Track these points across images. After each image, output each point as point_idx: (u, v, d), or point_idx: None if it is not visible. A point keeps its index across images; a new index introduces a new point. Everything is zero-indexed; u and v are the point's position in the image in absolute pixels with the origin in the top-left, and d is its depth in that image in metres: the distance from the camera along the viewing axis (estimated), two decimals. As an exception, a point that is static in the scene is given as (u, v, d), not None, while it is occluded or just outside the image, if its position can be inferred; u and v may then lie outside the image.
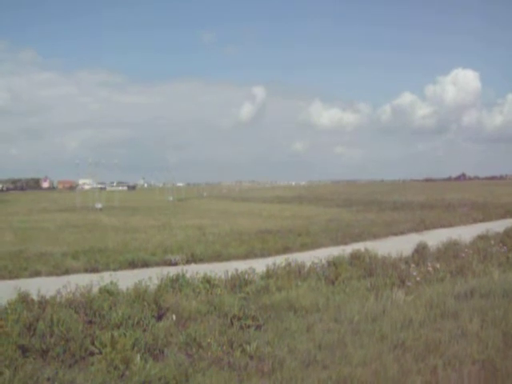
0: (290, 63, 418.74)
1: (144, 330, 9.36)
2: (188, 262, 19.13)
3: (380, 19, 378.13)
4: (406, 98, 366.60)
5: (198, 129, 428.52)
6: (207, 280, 13.30)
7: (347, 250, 17.87)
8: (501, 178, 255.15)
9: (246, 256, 20.67)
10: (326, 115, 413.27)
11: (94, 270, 17.58)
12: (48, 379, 7.37)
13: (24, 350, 8.45)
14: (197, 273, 13.88)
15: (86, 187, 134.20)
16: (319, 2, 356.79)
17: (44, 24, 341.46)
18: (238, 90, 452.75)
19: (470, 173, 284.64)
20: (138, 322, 9.77)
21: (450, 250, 18.10)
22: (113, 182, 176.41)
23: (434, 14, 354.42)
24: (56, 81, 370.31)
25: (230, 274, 14.08)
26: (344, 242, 24.37)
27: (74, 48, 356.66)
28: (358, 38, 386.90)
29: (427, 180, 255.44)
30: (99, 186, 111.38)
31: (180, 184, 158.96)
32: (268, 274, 14.55)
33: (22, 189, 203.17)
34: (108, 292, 12.09)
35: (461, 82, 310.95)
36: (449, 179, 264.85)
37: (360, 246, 18.60)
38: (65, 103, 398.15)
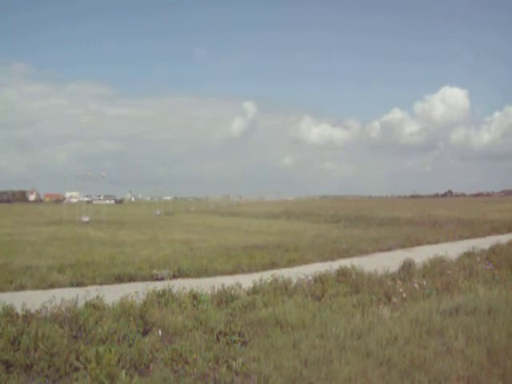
0: (280, 78, 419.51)
1: (129, 346, 9.32)
2: (175, 276, 19.06)
3: (371, 33, 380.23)
4: (396, 114, 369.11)
5: (187, 143, 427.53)
6: (193, 295, 13.27)
7: (334, 266, 17.90)
8: (487, 195, 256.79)
9: (233, 271, 20.64)
10: (315, 131, 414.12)
11: (80, 284, 17.47)
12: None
13: (8, 365, 8.38)
14: (183, 288, 13.85)
15: (73, 200, 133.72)
16: (309, 16, 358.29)
17: (36, 36, 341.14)
18: (228, 105, 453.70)
19: (456, 190, 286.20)
20: (123, 337, 9.73)
21: (436, 267, 18.18)
22: (100, 196, 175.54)
23: (423, 27, 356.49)
24: (47, 93, 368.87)
25: (216, 289, 14.07)
26: (331, 257, 24.41)
27: (65, 59, 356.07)
28: (347, 52, 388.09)
29: (413, 196, 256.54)
30: (86, 199, 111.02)
31: (167, 198, 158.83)
32: (255, 290, 14.54)
33: (8, 201, 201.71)
34: (94, 307, 12.04)
35: (449, 100, 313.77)
36: (435, 196, 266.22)
37: (347, 262, 18.62)
38: (55, 115, 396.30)
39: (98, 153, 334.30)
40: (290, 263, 22.83)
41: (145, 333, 10.47)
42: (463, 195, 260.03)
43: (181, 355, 8.78)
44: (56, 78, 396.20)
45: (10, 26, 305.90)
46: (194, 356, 8.64)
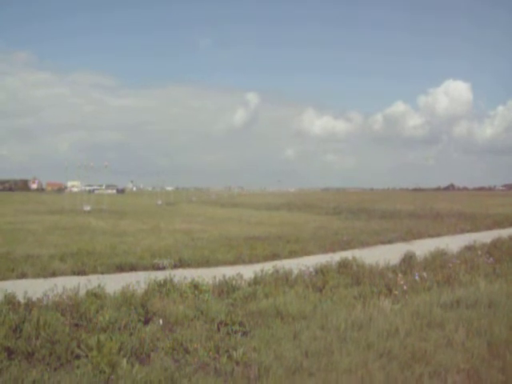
0: (283, 70, 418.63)
1: (131, 334, 9.35)
2: (176, 266, 19.08)
3: (375, 27, 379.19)
4: (399, 107, 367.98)
5: (189, 134, 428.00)
6: (195, 285, 13.30)
7: (335, 257, 17.93)
8: (489, 189, 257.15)
9: (235, 262, 20.64)
10: (318, 123, 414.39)
11: (82, 273, 17.50)
12: (33, 382, 7.32)
13: (9, 353, 8.41)
14: (184, 278, 13.88)
15: (75, 189, 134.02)
16: (314, 9, 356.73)
17: (40, 25, 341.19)
18: (230, 96, 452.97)
19: (458, 183, 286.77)
20: (124, 326, 9.76)
21: (438, 260, 18.18)
22: (101, 185, 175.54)
23: (426, 22, 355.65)
24: (49, 82, 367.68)
25: (217, 279, 14.09)
26: (332, 249, 24.40)
27: (68, 49, 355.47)
28: (351, 44, 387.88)
29: (416, 190, 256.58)
30: (88, 188, 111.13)
31: (169, 188, 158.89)
32: (256, 281, 14.57)
33: (10, 189, 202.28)
34: (95, 295, 12.07)
35: (452, 94, 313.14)
36: (438, 189, 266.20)
37: (348, 254, 18.67)
38: (57, 104, 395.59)
39: (100, 142, 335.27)
40: (292, 254, 22.82)
41: (146, 322, 10.51)
42: (465, 189, 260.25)
43: (181, 344, 8.82)
44: (58, 67, 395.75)
45: (12, 15, 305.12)
46: (195, 345, 8.68)
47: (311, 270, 15.96)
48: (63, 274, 17.51)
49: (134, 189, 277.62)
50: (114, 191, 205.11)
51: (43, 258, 19.82)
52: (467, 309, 11.14)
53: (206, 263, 20.11)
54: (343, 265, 16.80)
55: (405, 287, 13.65)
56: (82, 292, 12.08)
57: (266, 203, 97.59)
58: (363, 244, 26.99)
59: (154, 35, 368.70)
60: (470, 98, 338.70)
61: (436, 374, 7.58)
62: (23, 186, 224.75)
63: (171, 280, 13.58)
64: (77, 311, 10.55)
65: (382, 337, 9.25)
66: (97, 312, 10.51)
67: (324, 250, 24.37)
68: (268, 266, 16.05)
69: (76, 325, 9.97)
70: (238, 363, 8.10)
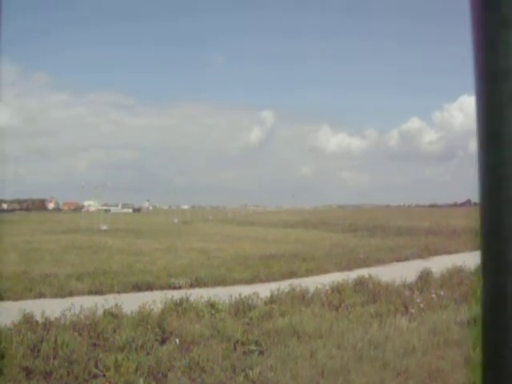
0: (298, 87, 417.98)
1: (147, 354, 9.39)
2: (192, 285, 19.10)
3: (389, 42, 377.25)
4: (414, 123, 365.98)
5: (204, 152, 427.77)
6: (211, 304, 13.32)
7: (351, 275, 17.88)
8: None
9: (251, 281, 20.61)
10: (333, 140, 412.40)
11: (99, 293, 17.57)
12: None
13: (28, 372, 8.49)
14: (201, 297, 13.90)
15: (91, 209, 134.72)
16: (327, 23, 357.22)
17: (57, 46, 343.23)
18: (245, 114, 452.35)
19: (475, 199, 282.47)
20: (141, 346, 9.81)
21: (454, 277, 18.05)
22: (118, 204, 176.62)
23: (441, 36, 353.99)
24: (67, 102, 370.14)
25: (233, 298, 14.10)
26: (348, 267, 24.32)
27: (84, 67, 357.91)
28: (365, 61, 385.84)
29: (432, 206, 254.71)
30: (104, 207, 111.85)
31: (185, 207, 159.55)
32: (272, 300, 14.56)
33: (27, 209, 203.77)
34: (112, 315, 12.14)
35: (467, 109, 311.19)
36: (454, 205, 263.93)
37: (364, 272, 18.59)
38: (75, 125, 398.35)
39: (116, 162, 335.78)
40: (308, 273, 22.78)
41: (162, 341, 10.54)
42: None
43: (198, 364, 8.83)
44: (75, 87, 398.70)
45: (29, 37, 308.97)
46: (212, 365, 8.70)
47: (327, 288, 15.92)
48: (80, 293, 17.59)
49: (150, 208, 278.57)
50: (131, 210, 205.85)
51: (60, 278, 19.94)
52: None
53: (223, 282, 20.12)
54: (359, 283, 16.75)
55: (421, 305, 13.59)
56: (99, 311, 12.15)
57: (282, 221, 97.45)
58: (379, 261, 26.87)
59: (168, 52, 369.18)
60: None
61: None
62: (40, 205, 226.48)
63: (187, 299, 13.61)
64: (94, 331, 10.62)
65: (398, 355, 9.20)
66: (114, 331, 10.58)
67: (340, 267, 24.31)
68: (284, 285, 16.04)
69: (93, 344, 10.04)
70: (254, 382, 8.10)
